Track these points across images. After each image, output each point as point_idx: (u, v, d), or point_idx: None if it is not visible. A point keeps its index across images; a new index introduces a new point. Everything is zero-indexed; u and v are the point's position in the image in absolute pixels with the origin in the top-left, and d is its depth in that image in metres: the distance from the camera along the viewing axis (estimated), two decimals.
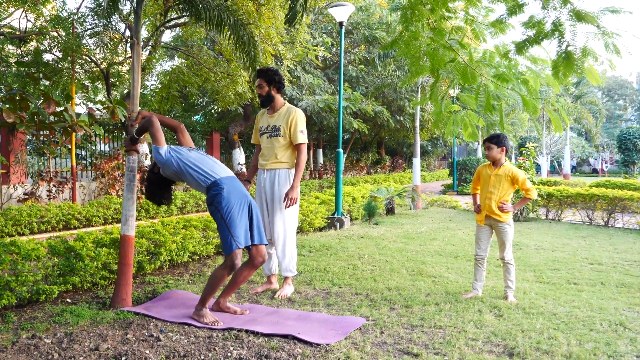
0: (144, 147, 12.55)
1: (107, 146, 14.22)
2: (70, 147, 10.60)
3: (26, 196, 9.62)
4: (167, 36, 35.40)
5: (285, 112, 4.71)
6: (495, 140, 4.57)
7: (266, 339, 3.49)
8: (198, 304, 3.84)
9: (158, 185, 4.13)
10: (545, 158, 27.34)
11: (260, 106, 4.87)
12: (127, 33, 11.18)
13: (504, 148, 4.57)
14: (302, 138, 4.68)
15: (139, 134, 4.14)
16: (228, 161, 18.52)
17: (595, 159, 42.95)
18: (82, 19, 10.33)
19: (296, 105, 15.78)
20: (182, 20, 11.38)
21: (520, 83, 4.69)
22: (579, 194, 10.30)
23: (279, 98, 4.76)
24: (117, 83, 12.40)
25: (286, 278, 4.73)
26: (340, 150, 9.47)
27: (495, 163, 4.63)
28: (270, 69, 4.73)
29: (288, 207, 4.55)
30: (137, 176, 4.57)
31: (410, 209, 12.44)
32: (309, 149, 22.74)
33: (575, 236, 8.48)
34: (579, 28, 3.78)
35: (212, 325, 3.69)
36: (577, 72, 4.01)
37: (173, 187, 4.30)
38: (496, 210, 4.55)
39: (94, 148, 13.66)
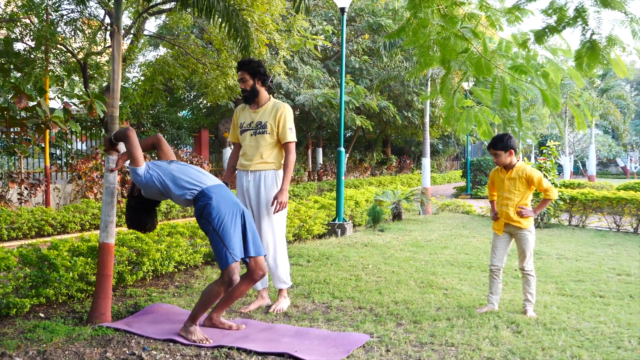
0: (125, 147, 12.55)
1: (84, 145, 14.24)
2: (43, 145, 10.62)
3: None
4: (151, 24, 35.45)
5: (272, 107, 4.69)
6: (500, 145, 4.56)
7: (260, 357, 3.49)
8: (187, 320, 3.84)
9: (141, 210, 4.10)
10: (568, 158, 27.36)
11: (243, 102, 4.85)
12: (107, 20, 11.19)
13: (512, 150, 4.58)
14: (292, 136, 4.68)
15: (117, 140, 4.15)
16: (218, 161, 18.56)
17: (626, 159, 42.97)
18: (56, 5, 10.35)
19: (293, 100, 15.83)
20: (167, 6, 11.41)
21: (539, 76, 4.70)
22: (605, 198, 10.30)
23: (263, 92, 4.74)
24: (96, 75, 12.42)
25: (280, 290, 4.72)
26: (342, 149, 9.48)
27: (506, 166, 4.64)
28: (254, 60, 4.73)
29: (277, 212, 4.54)
30: (118, 177, 4.57)
31: (419, 214, 12.45)
32: (307, 148, 22.76)
33: (602, 244, 8.49)
34: (605, 15, 3.77)
35: (200, 343, 3.69)
36: (603, 63, 4.01)
37: (157, 208, 4.27)
38: (515, 217, 4.56)
39: (69, 147, 13.67)
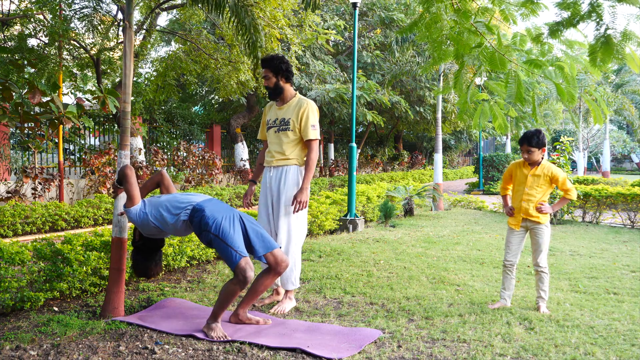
0: (137, 142, 12.63)
1: (97, 140, 14.33)
2: (57, 141, 10.70)
3: (9, 194, 9.72)
4: (163, 19, 35.62)
5: (296, 104, 4.65)
6: (535, 142, 4.46)
7: (272, 352, 3.50)
8: (209, 318, 3.85)
9: (146, 255, 4.15)
10: (582, 154, 27.14)
11: (268, 98, 4.83)
12: (119, 16, 11.25)
13: (544, 148, 4.54)
14: (314, 134, 4.61)
15: (120, 184, 4.20)
16: (230, 157, 18.59)
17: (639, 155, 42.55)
18: (70, 0, 10.41)
19: (304, 95, 15.82)
20: (179, 1, 11.44)
21: (554, 69, 4.66)
22: (619, 194, 10.22)
23: (288, 88, 4.70)
24: (109, 70, 12.50)
25: (287, 291, 4.63)
26: (354, 144, 9.47)
27: (532, 163, 4.60)
28: (275, 56, 4.66)
29: (297, 211, 4.50)
30: None
31: (431, 210, 12.42)
32: (319, 143, 22.74)
33: (616, 241, 8.43)
34: (619, 9, 3.74)
35: (218, 340, 3.70)
36: (617, 59, 3.97)
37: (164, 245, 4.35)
38: (534, 213, 4.55)
39: (83, 142, 13.77)
